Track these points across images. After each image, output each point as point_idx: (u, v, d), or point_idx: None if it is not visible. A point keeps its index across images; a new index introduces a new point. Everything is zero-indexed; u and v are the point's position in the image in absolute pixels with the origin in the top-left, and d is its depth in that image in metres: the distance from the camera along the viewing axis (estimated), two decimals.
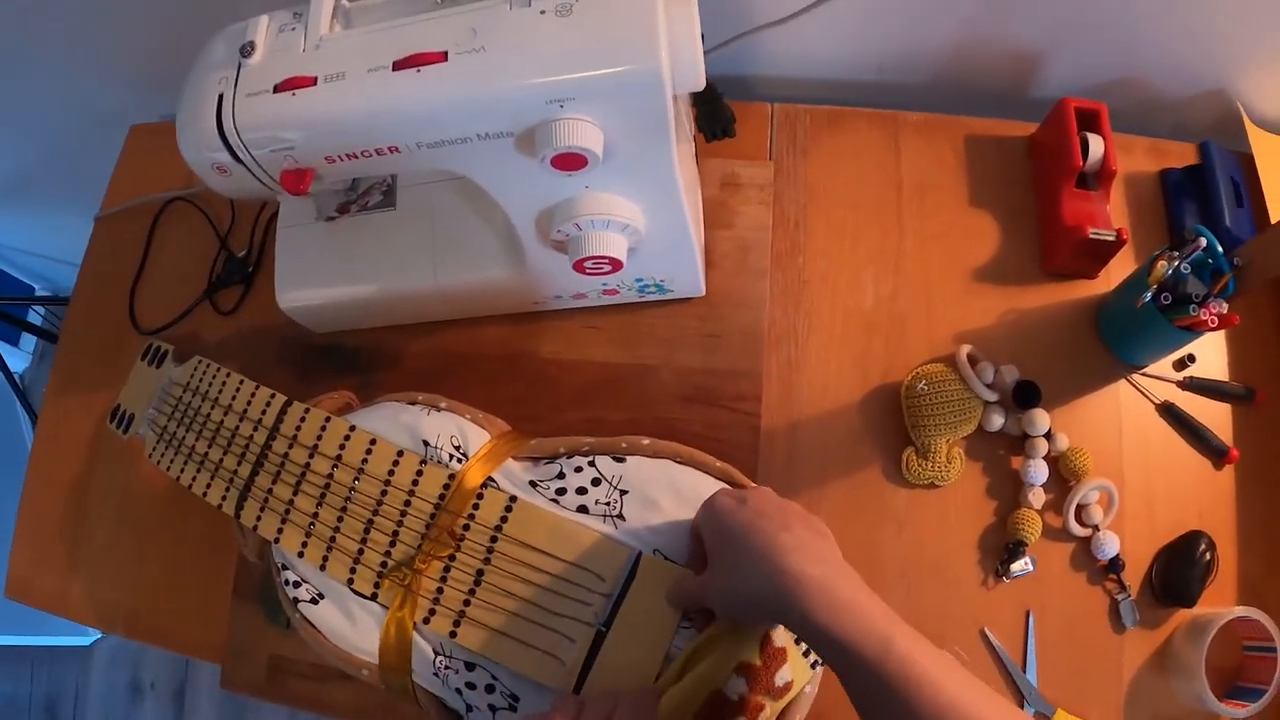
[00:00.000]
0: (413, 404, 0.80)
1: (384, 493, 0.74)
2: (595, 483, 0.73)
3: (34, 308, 2.13)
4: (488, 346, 0.92)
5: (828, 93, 1.03)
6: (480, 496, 0.73)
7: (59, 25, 1.06)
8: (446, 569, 0.72)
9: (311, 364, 0.95)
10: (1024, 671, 0.79)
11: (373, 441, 0.76)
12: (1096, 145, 0.85)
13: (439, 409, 0.79)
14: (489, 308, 0.91)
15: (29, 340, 2.31)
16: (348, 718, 0.86)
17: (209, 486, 0.81)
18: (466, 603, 0.70)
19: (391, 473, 0.75)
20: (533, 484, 0.74)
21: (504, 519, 0.72)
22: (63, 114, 1.28)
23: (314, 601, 0.75)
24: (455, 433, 0.77)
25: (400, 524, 0.74)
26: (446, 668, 0.71)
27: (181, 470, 0.84)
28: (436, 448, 0.75)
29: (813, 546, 0.57)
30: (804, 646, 0.66)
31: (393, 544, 0.73)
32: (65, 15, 1.04)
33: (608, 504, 0.72)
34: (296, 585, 0.76)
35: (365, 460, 0.76)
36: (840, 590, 0.54)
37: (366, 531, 0.74)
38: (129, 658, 2.06)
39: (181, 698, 2.02)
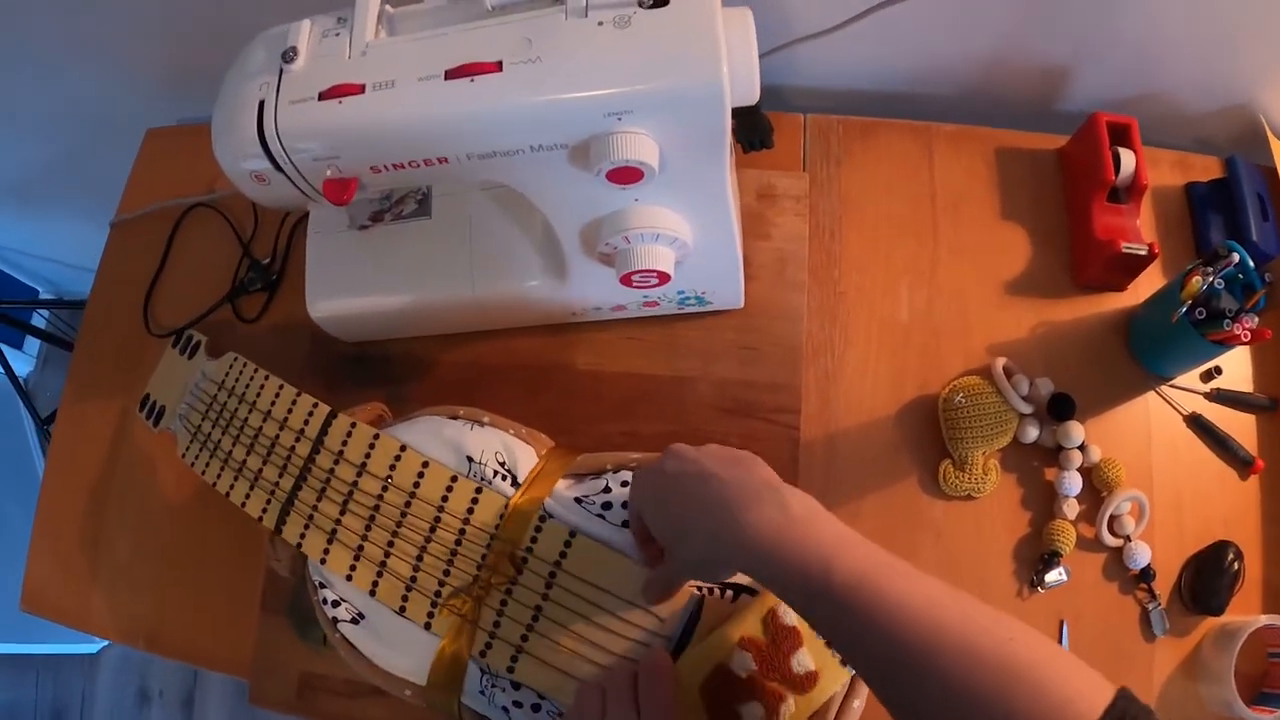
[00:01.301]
0: (454, 418, 0.78)
1: (437, 518, 0.72)
2: None
3: (38, 311, 2.09)
4: (521, 357, 0.90)
5: (859, 103, 1.02)
6: (539, 529, 0.70)
7: (68, 26, 1.03)
8: (504, 601, 0.69)
9: (340, 373, 0.92)
10: None
11: (425, 464, 0.73)
12: (1128, 160, 0.84)
13: (482, 424, 0.77)
14: (525, 319, 0.89)
15: (33, 344, 2.27)
16: None
17: (248, 496, 0.78)
18: (524, 637, 0.68)
19: (445, 498, 0.72)
20: (578, 500, 0.72)
21: (564, 554, 0.69)
22: (72, 116, 1.24)
23: (354, 621, 0.73)
24: (500, 449, 0.74)
25: (455, 551, 0.71)
26: (493, 686, 0.69)
27: (218, 476, 0.81)
28: (481, 464, 0.73)
29: (742, 482, 0.54)
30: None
31: (447, 572, 0.71)
32: (76, 16, 1.01)
33: None
34: (336, 605, 0.74)
35: (418, 483, 0.73)
36: (768, 519, 0.51)
37: (420, 558, 0.72)
38: (136, 666, 2.03)
39: (190, 706, 1.99)
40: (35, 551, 0.98)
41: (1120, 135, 0.86)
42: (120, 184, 1.11)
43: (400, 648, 0.72)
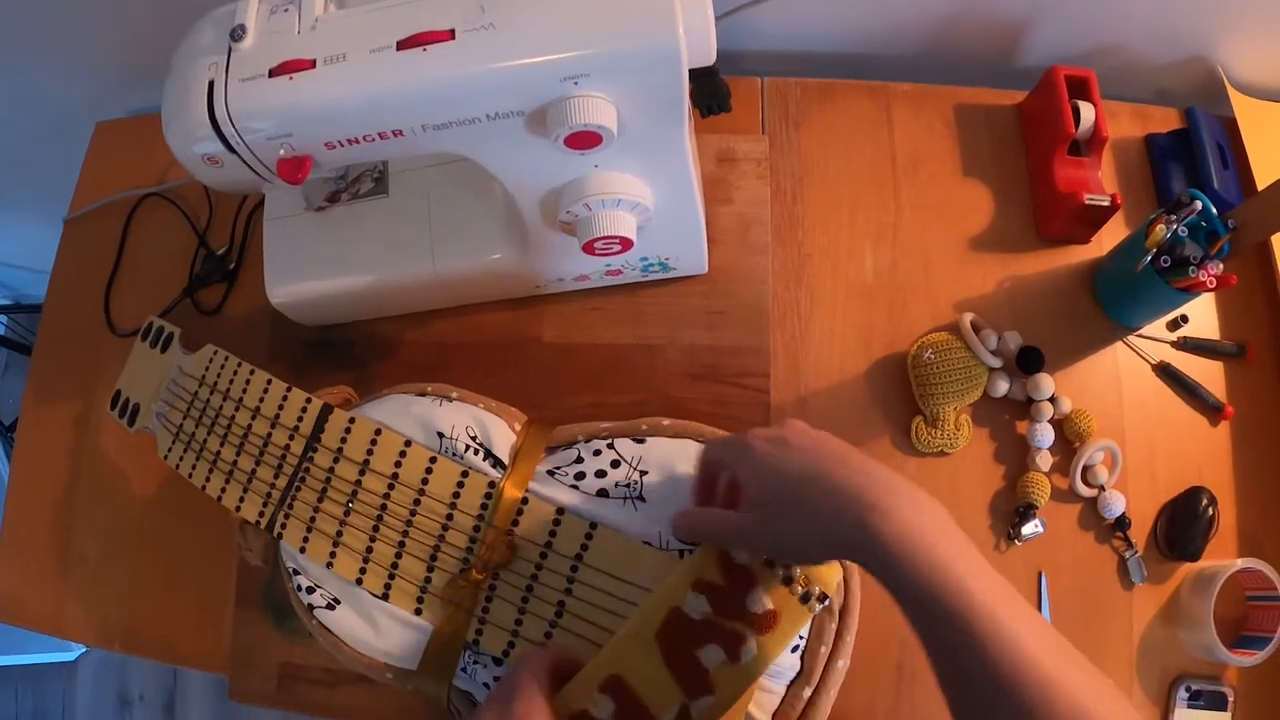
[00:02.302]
0: (422, 395, 0.78)
1: (417, 501, 0.72)
2: (615, 465, 0.72)
3: None
4: (487, 333, 0.90)
5: (817, 66, 1.03)
6: (520, 512, 0.71)
7: (10, 18, 1.01)
8: (493, 586, 0.70)
9: (304, 359, 0.92)
10: None
11: (407, 443, 0.74)
12: (1087, 113, 0.86)
13: (450, 399, 0.77)
14: (488, 293, 0.89)
15: None
16: None
17: (242, 499, 0.77)
18: (519, 621, 0.69)
19: (426, 480, 0.73)
20: (550, 473, 0.73)
21: (553, 533, 0.70)
22: (15, 113, 1.22)
23: (330, 607, 0.73)
24: (471, 423, 0.75)
25: (442, 537, 0.72)
26: (475, 662, 0.70)
27: (206, 478, 0.79)
28: (452, 439, 0.73)
29: (877, 474, 0.55)
30: (780, 574, 0.62)
31: (434, 557, 0.72)
32: (17, 7, 0.99)
33: (628, 485, 0.71)
34: (311, 591, 0.74)
35: (398, 467, 0.73)
36: (902, 519, 0.50)
37: (402, 543, 0.72)
38: (115, 670, 2.02)
39: (171, 709, 1.98)
40: (4, 559, 0.98)
41: (1079, 88, 0.87)
42: (72, 182, 1.10)
43: (379, 631, 0.72)
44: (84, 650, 2.00)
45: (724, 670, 0.60)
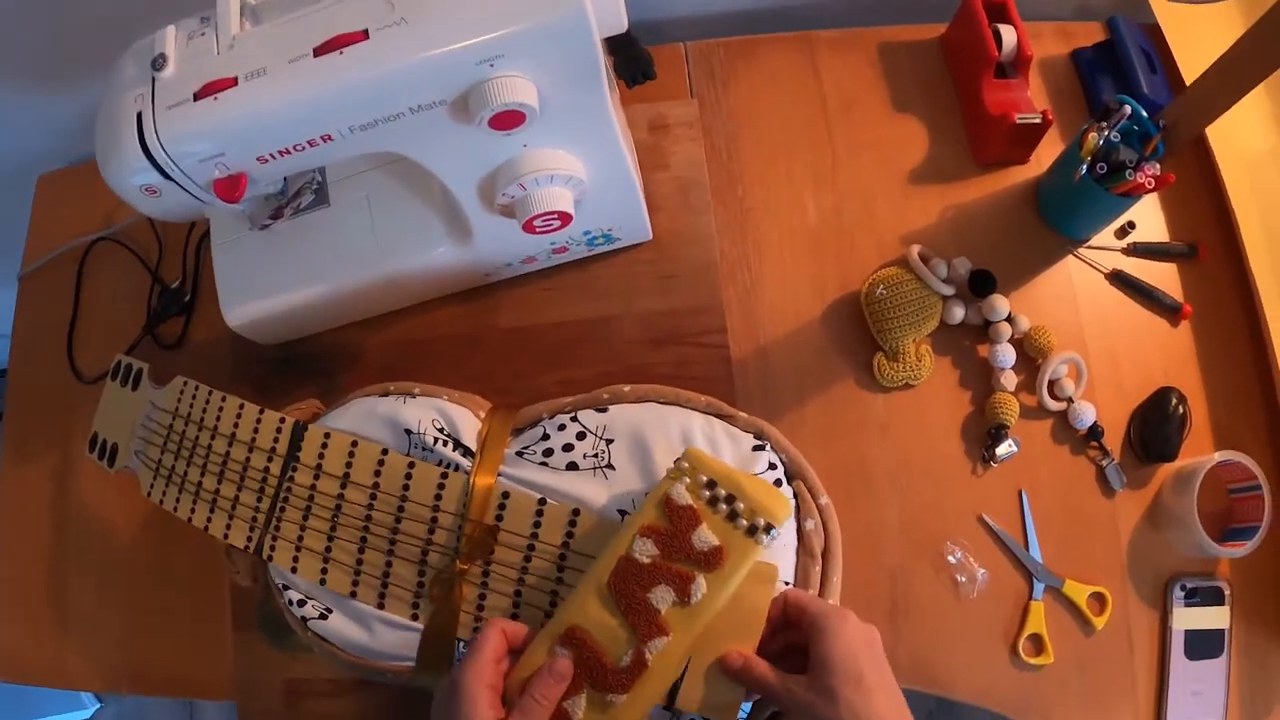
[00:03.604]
0: (386, 395, 0.81)
1: (401, 508, 0.75)
2: (580, 437, 0.75)
3: None
4: (445, 328, 0.93)
5: (736, 24, 1.06)
6: (503, 506, 0.73)
7: None
8: (484, 582, 0.73)
9: (269, 377, 0.95)
10: (1027, 549, 0.83)
11: (384, 451, 0.76)
12: (1009, 34, 0.89)
13: (414, 395, 0.80)
14: (440, 288, 0.92)
15: None
16: None
17: (229, 527, 0.80)
18: (514, 616, 0.71)
19: (406, 486, 0.75)
20: (519, 454, 0.76)
21: (537, 524, 0.72)
22: None
23: (323, 617, 0.76)
24: (436, 416, 0.78)
25: (429, 540, 0.74)
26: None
27: (191, 511, 0.82)
28: (420, 433, 0.76)
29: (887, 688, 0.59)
30: (725, 510, 0.65)
31: (424, 559, 0.74)
32: None
33: (595, 455, 0.74)
34: (302, 604, 0.77)
35: (378, 476, 0.76)
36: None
37: (391, 551, 0.75)
38: None
39: None
40: (2, 618, 1.00)
41: (998, 13, 0.91)
42: (20, 241, 1.13)
43: (374, 634, 0.75)
44: (98, 706, 2.00)
45: (675, 611, 0.63)
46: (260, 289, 0.87)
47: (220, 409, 0.82)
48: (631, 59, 0.80)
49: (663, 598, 0.63)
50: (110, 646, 0.96)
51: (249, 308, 0.87)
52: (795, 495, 0.73)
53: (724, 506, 0.65)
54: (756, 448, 0.74)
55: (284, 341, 0.95)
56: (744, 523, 0.64)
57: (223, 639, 0.91)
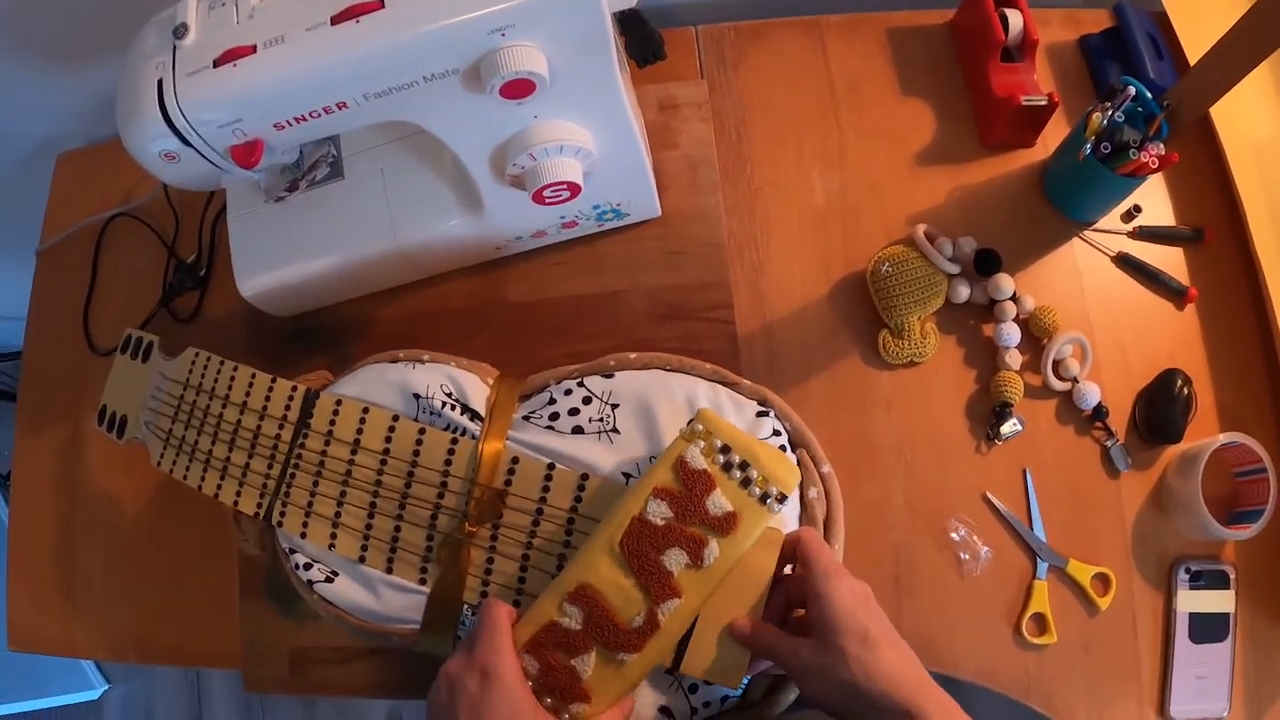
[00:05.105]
0: (395, 362, 0.84)
1: (411, 473, 0.78)
2: (586, 401, 0.78)
3: None
4: (455, 301, 0.96)
5: (746, 8, 1.08)
6: (512, 470, 0.76)
7: None
8: (492, 546, 0.75)
9: (281, 349, 0.98)
10: (1031, 529, 0.85)
11: (395, 418, 0.79)
12: (1015, 18, 0.92)
13: (423, 361, 0.83)
14: (452, 261, 0.95)
15: None
16: (373, 695, 0.90)
17: (239, 494, 0.83)
18: (521, 580, 0.74)
19: (417, 453, 0.78)
20: (526, 419, 0.79)
21: (546, 488, 0.75)
22: None
23: (329, 580, 0.79)
24: (445, 381, 0.80)
25: (439, 505, 0.77)
26: (474, 615, 0.75)
27: (202, 478, 0.85)
28: (428, 398, 0.79)
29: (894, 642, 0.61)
30: (738, 476, 0.67)
31: (433, 523, 0.77)
32: None
33: (600, 420, 0.77)
34: (308, 567, 0.79)
35: (388, 442, 0.79)
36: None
37: (400, 516, 0.78)
38: (140, 704, 2.06)
39: None
40: (13, 593, 1.04)
41: None
42: (39, 220, 1.16)
43: (380, 597, 0.77)
44: (107, 687, 2.04)
45: (688, 573, 0.65)
46: (274, 259, 0.90)
47: (232, 378, 0.85)
48: (643, 39, 0.83)
49: (676, 560, 0.65)
50: (117, 616, 0.99)
51: (263, 278, 0.90)
52: (798, 463, 0.76)
53: (738, 473, 0.67)
54: (760, 414, 0.77)
55: (296, 314, 0.98)
56: (757, 490, 0.67)
57: (229, 608, 0.94)
